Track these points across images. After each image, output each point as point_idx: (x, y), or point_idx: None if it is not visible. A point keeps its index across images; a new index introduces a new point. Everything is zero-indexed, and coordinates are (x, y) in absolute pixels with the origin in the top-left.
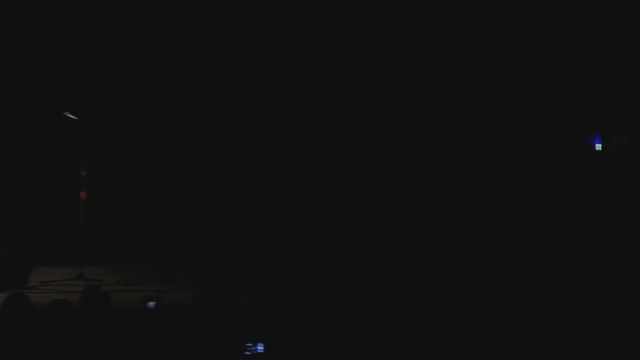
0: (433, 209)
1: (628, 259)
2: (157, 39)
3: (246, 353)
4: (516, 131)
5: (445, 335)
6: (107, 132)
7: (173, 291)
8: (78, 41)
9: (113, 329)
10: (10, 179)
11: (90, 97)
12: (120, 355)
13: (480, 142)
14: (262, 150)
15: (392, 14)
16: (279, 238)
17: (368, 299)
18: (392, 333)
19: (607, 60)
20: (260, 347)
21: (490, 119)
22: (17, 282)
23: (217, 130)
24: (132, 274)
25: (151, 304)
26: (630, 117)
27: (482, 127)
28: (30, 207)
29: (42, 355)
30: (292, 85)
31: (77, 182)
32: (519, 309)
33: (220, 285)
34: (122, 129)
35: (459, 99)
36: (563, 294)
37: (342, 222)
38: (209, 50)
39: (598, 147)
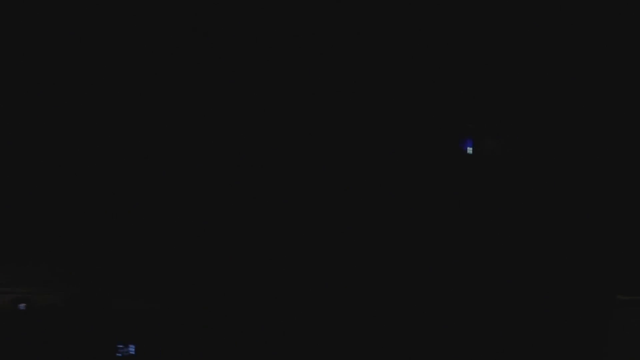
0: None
1: (496, 261)
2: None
3: (117, 354)
4: (389, 133)
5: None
6: None
7: (44, 293)
8: None
9: None
10: None
11: None
12: None
13: (355, 144)
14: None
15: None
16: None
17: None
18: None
19: (480, 64)
20: (131, 349)
21: (363, 121)
22: None
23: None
24: (2, 275)
25: (22, 305)
26: (502, 121)
27: (356, 129)
28: None
29: None
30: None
31: None
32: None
33: (92, 287)
34: None
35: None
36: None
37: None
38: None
39: (469, 150)
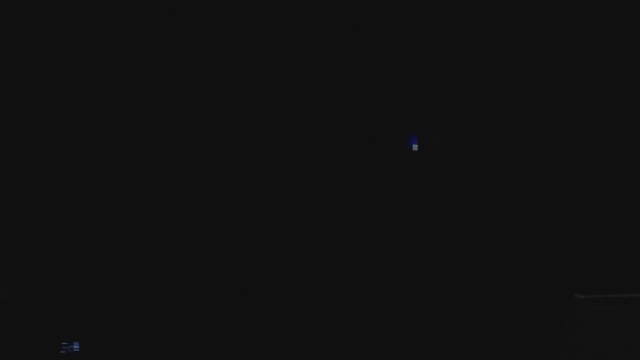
0: None
1: (444, 261)
2: None
3: (62, 352)
4: (335, 132)
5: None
6: None
7: None
8: None
9: None
10: None
11: None
12: None
13: (301, 143)
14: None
15: None
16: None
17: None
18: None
19: (426, 61)
20: (76, 346)
21: (308, 120)
22: None
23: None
24: None
25: None
26: (447, 118)
27: (302, 128)
28: None
29: None
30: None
31: None
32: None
33: (36, 283)
34: None
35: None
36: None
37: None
38: None
39: (415, 147)
